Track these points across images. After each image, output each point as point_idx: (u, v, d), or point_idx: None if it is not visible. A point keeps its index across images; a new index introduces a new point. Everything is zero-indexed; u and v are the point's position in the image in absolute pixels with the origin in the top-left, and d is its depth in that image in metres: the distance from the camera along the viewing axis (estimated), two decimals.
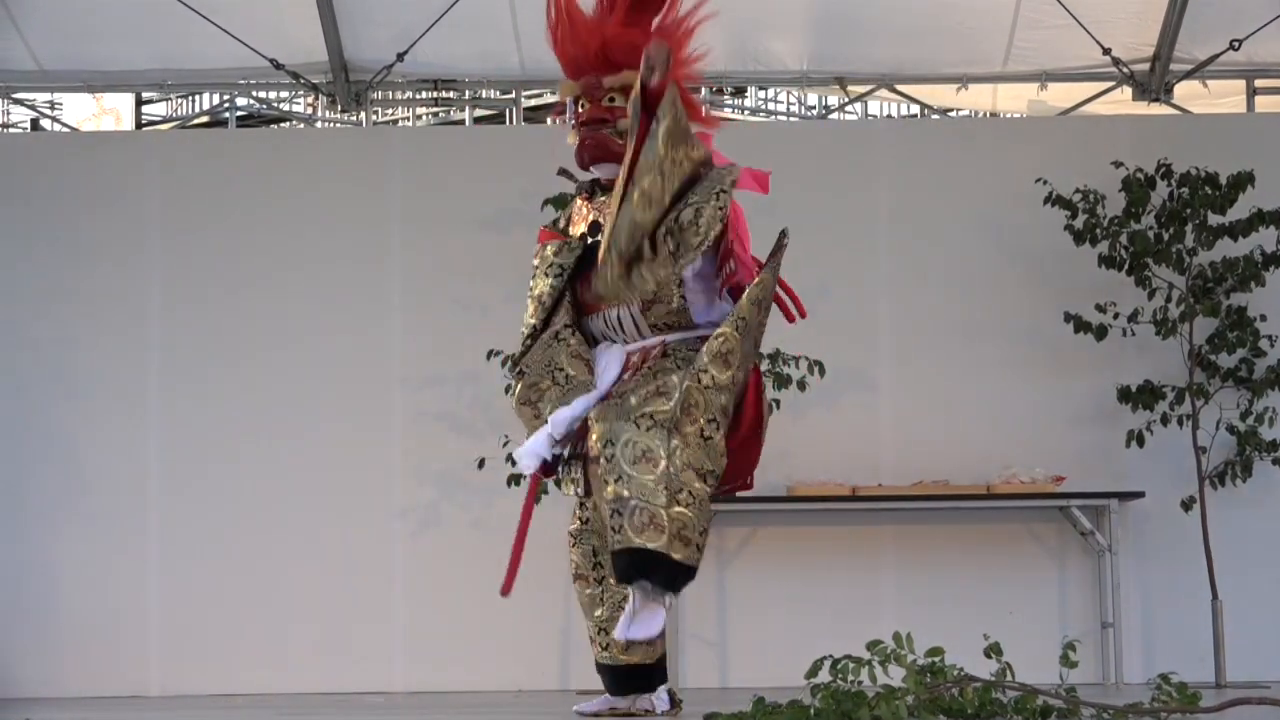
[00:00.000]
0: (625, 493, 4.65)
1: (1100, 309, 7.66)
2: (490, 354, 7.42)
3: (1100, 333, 7.65)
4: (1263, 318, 7.72)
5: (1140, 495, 7.75)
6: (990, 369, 7.99)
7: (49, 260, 8.08)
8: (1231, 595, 7.60)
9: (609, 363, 4.98)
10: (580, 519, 5.21)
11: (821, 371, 7.49)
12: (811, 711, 4.08)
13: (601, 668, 5.21)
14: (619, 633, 4.76)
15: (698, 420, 4.75)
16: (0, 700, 7.55)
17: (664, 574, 4.67)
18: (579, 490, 5.04)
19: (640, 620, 4.70)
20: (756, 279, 4.88)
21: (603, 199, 5.02)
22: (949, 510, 7.81)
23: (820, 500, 7.66)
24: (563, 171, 5.27)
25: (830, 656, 4.19)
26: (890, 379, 8.03)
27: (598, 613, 5.15)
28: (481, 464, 7.57)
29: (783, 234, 5.01)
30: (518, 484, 7.47)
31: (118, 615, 7.90)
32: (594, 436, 4.75)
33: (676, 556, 4.66)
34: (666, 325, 4.96)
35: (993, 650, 4.22)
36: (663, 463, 4.66)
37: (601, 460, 4.71)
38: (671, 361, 4.86)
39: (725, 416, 4.80)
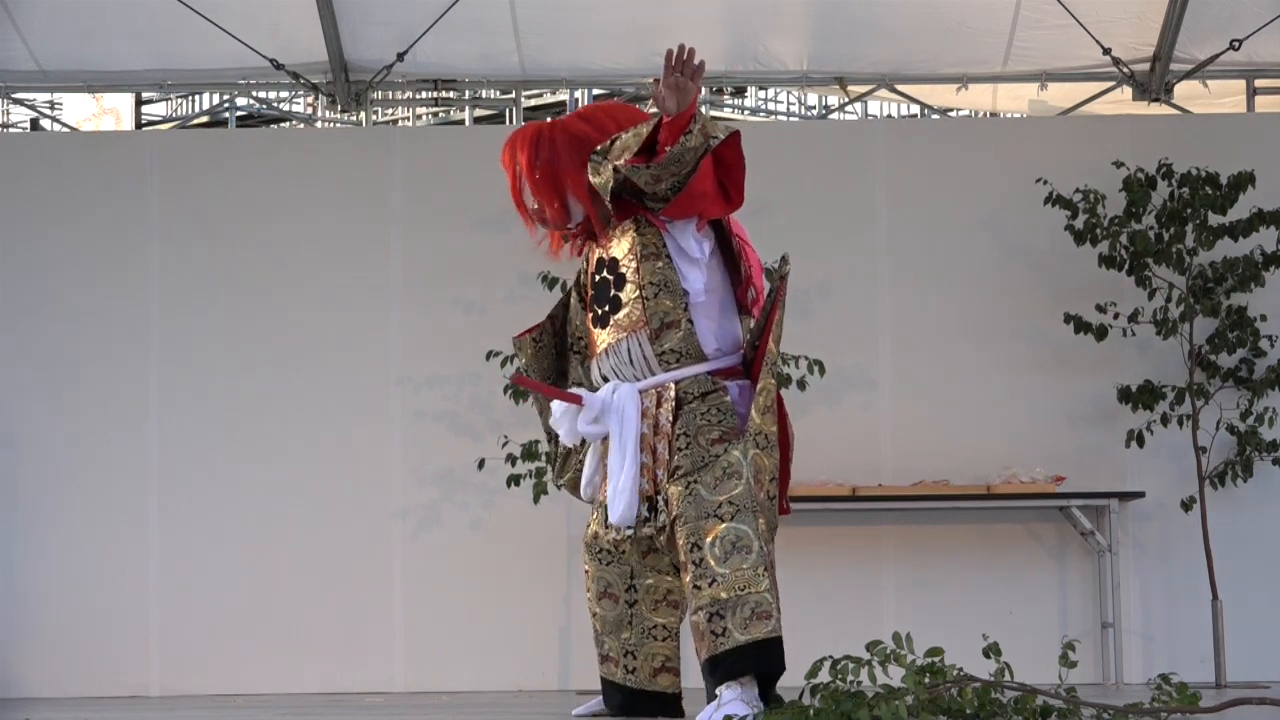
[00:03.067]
0: (723, 594, 4.59)
1: (1100, 309, 7.66)
2: (490, 354, 7.42)
3: (1100, 333, 7.65)
4: (1263, 318, 7.71)
5: (1140, 495, 7.75)
6: (990, 369, 7.99)
7: (49, 259, 8.08)
8: (1231, 595, 7.60)
9: (625, 406, 4.86)
10: (597, 531, 5.06)
11: (821, 371, 7.49)
12: (811, 712, 4.07)
13: (617, 688, 5.08)
14: None
15: (764, 484, 4.74)
16: (0, 700, 7.56)
17: (776, 657, 4.60)
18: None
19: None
20: (776, 318, 4.81)
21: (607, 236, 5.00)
22: (949, 510, 7.81)
23: (820, 500, 7.66)
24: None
25: (830, 657, 4.18)
26: (890, 379, 8.03)
27: (624, 635, 5.04)
28: (481, 464, 7.57)
29: (784, 260, 4.94)
30: (517, 484, 7.47)
31: (118, 615, 7.90)
32: (679, 539, 4.70)
33: (780, 634, 4.62)
34: (675, 354, 4.86)
35: (991, 650, 4.22)
36: (755, 544, 4.62)
37: (689, 565, 4.65)
38: (712, 427, 4.76)
39: (778, 467, 4.81)
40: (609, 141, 4.84)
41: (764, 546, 4.64)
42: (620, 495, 4.82)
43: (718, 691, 4.60)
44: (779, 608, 4.65)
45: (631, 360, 4.90)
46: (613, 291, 4.92)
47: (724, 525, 4.64)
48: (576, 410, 4.94)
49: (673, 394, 4.83)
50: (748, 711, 4.50)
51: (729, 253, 4.96)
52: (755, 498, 4.69)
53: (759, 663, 4.58)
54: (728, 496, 4.67)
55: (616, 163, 4.74)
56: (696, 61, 4.62)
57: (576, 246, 5.15)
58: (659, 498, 4.81)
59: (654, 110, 4.77)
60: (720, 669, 4.60)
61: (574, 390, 4.99)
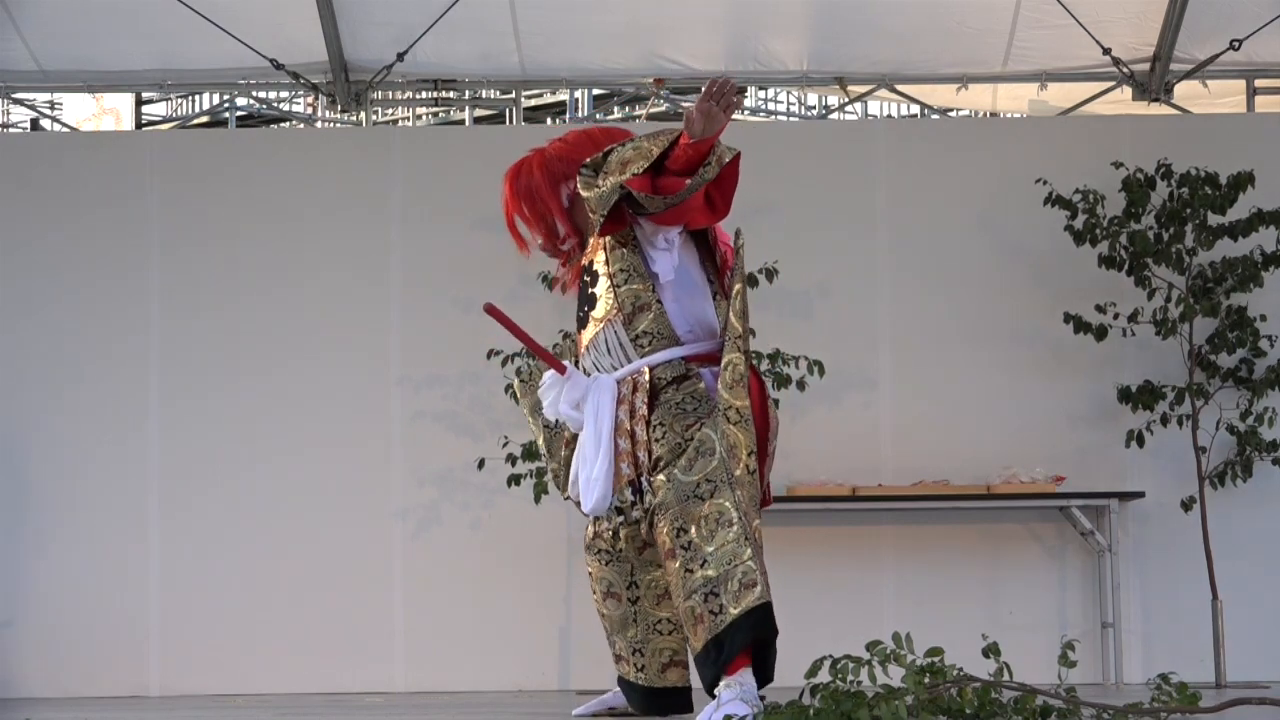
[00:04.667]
0: (713, 572, 4.60)
1: (1100, 309, 7.66)
2: (490, 354, 7.42)
3: (1100, 333, 7.65)
4: (1263, 318, 7.71)
5: (1140, 495, 7.75)
6: (990, 369, 7.99)
7: (49, 259, 8.08)
8: (1231, 595, 7.60)
9: (601, 396, 4.88)
10: (596, 531, 5.08)
11: (821, 371, 7.49)
12: (811, 711, 4.07)
13: (631, 687, 5.12)
14: None
15: (741, 458, 4.73)
16: (0, 700, 7.56)
17: (769, 622, 4.61)
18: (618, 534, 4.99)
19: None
20: (734, 290, 4.82)
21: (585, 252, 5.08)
22: (949, 510, 7.81)
23: (820, 500, 7.66)
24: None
25: (830, 656, 4.18)
26: (890, 379, 8.03)
27: (630, 632, 5.06)
28: (481, 464, 7.57)
29: (737, 234, 4.97)
30: (517, 484, 7.48)
31: (118, 615, 7.90)
32: (663, 528, 4.71)
33: (769, 600, 4.62)
34: (648, 336, 4.88)
35: (991, 650, 4.22)
36: (734, 515, 4.63)
37: (678, 550, 4.67)
38: (688, 415, 4.79)
39: (755, 441, 4.80)
40: (600, 155, 4.83)
41: (744, 518, 4.65)
42: (595, 484, 4.83)
43: (716, 692, 4.60)
44: (766, 582, 4.65)
45: (609, 349, 4.92)
46: (589, 290, 4.96)
47: (706, 504, 4.65)
48: (563, 381, 4.94)
49: (647, 379, 4.84)
50: (747, 711, 4.51)
51: (702, 237, 4.98)
52: (731, 472, 4.69)
53: (753, 629, 4.58)
54: (704, 474, 4.68)
55: (620, 179, 4.73)
56: (735, 97, 4.68)
57: (574, 272, 5.15)
58: (642, 481, 4.82)
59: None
60: (724, 647, 4.59)
61: (562, 362, 5.00)
